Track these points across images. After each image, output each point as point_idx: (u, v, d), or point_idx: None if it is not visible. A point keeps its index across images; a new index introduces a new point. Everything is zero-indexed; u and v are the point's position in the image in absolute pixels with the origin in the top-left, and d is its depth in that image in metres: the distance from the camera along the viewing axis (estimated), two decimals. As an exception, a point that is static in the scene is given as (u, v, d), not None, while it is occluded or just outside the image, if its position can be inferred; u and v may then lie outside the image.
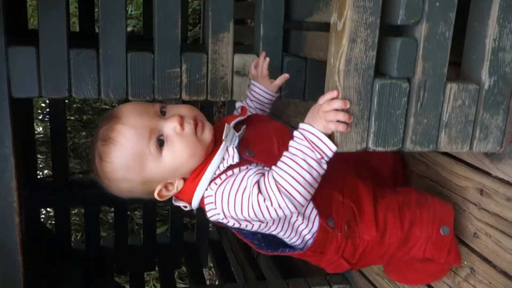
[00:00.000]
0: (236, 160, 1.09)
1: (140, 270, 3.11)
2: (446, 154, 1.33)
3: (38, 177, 3.03)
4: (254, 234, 1.19)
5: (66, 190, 2.82)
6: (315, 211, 1.15)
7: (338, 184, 1.19)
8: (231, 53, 1.51)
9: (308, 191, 1.01)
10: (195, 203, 1.13)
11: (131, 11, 3.92)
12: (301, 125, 1.04)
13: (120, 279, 3.80)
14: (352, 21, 0.93)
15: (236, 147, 1.11)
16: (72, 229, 3.35)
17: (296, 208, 1.01)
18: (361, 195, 1.21)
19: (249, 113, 1.33)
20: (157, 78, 1.46)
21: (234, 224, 1.13)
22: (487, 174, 1.20)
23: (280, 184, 1.00)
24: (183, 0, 2.85)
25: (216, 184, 1.09)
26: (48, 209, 4.01)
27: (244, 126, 1.17)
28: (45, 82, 1.40)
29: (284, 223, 1.16)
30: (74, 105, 4.33)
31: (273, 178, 1.00)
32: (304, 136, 1.01)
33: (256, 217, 1.04)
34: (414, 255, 1.24)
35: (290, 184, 0.99)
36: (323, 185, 1.05)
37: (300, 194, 1.00)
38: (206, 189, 1.10)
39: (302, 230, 1.17)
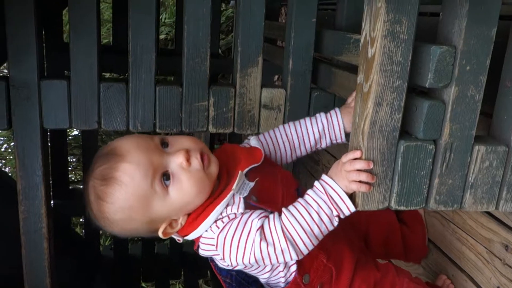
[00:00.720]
0: (241, 210, 1.04)
1: (166, 277, 3.16)
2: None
3: (70, 182, 3.08)
4: (228, 272, 1.16)
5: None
6: (296, 265, 1.12)
7: (327, 246, 1.14)
8: (259, 87, 1.51)
9: (312, 243, 1.00)
10: (190, 238, 1.10)
11: (165, 19, 3.95)
12: (323, 177, 1.03)
13: (145, 284, 3.88)
14: (378, 85, 0.92)
15: (244, 198, 1.06)
16: (101, 232, 3.42)
17: (298, 256, 1.00)
18: (344, 260, 1.19)
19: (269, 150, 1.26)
20: (185, 111, 1.47)
21: (228, 265, 1.10)
22: (514, 231, 1.17)
23: (286, 228, 0.99)
24: (216, 10, 2.89)
25: (218, 227, 1.04)
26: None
27: (257, 179, 1.11)
28: (75, 114, 1.43)
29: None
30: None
31: (280, 221, 0.99)
32: (325, 190, 1.00)
33: (257, 263, 1.01)
34: None
35: (296, 231, 0.98)
36: None
37: (304, 244, 0.99)
38: (206, 230, 1.06)
39: (279, 277, 1.14)
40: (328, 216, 0.99)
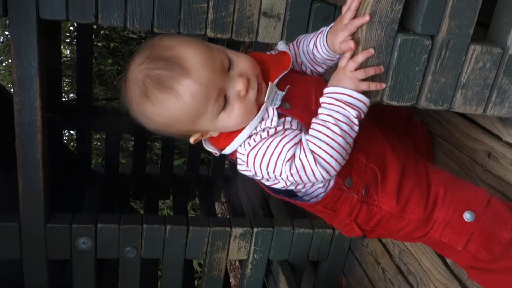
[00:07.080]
0: (274, 123, 1.03)
1: (155, 197, 3.22)
2: (461, 114, 1.34)
3: (63, 100, 3.08)
4: None
5: (89, 115, 2.89)
6: None
7: (363, 147, 1.10)
8: (259, -7, 1.50)
9: (343, 157, 1.00)
10: (226, 153, 1.10)
11: None
12: (327, 90, 1.01)
13: (135, 204, 3.95)
14: (381, -28, 0.92)
15: (276, 108, 1.05)
16: (92, 154, 3.45)
17: (330, 175, 1.01)
18: (388, 163, 1.12)
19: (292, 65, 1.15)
20: (184, 12, 1.46)
21: (262, 178, 1.10)
22: (498, 138, 1.21)
23: (317, 155, 0.98)
24: None
25: (250, 145, 1.04)
26: (71, 132, 4.12)
27: (288, 87, 1.07)
28: (72, 5, 1.41)
29: None
30: (102, 32, 4.34)
31: (310, 150, 0.98)
32: (335, 99, 0.99)
33: (288, 179, 1.03)
34: (431, 237, 1.13)
35: (325, 151, 0.98)
36: None
37: (337, 161, 0.99)
38: (240, 145, 1.07)
39: (318, 188, 1.13)
40: (347, 124, 0.99)
